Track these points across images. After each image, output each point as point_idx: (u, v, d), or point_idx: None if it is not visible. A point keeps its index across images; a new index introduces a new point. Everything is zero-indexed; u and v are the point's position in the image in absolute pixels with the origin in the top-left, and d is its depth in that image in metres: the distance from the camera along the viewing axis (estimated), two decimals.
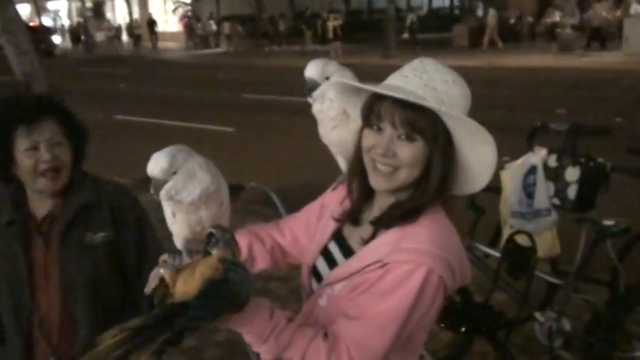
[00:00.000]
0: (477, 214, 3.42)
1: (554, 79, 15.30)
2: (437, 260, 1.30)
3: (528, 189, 3.22)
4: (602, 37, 20.79)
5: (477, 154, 1.35)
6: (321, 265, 1.52)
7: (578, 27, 21.70)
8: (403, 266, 1.29)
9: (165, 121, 11.42)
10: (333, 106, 1.62)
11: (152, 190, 1.51)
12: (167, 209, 1.61)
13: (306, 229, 1.65)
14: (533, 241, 2.94)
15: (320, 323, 1.38)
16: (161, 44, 34.61)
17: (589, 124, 3.29)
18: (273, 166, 7.60)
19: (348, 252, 1.47)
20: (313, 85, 1.63)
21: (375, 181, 1.39)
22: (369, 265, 1.35)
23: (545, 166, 3.17)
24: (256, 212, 4.83)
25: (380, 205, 1.45)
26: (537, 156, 3.21)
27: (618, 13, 21.90)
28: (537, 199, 3.19)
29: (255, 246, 1.65)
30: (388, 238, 1.37)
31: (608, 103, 11.39)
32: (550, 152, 3.19)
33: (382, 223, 1.41)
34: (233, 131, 10.56)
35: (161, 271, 1.38)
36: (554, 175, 3.14)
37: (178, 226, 1.62)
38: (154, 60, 27.46)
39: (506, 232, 3.28)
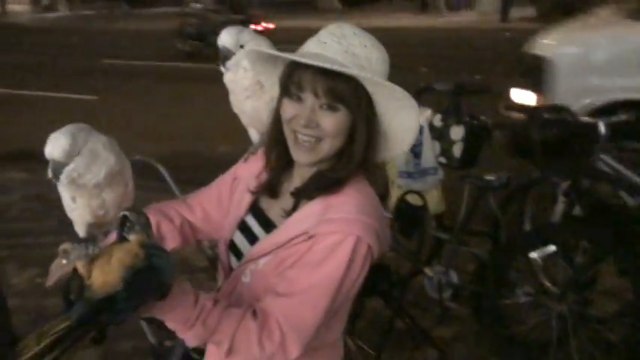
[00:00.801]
0: None
1: (416, 38, 15.84)
2: (365, 229, 1.27)
3: (415, 149, 3.30)
4: None
5: (399, 118, 1.33)
6: (240, 241, 1.46)
7: None
8: (331, 237, 1.26)
9: (23, 91, 10.56)
10: (247, 76, 1.56)
11: (50, 174, 1.39)
12: (66, 194, 1.48)
13: (218, 204, 1.58)
14: (425, 199, 3.03)
15: (244, 301, 1.33)
16: (10, 7, 31.98)
17: (472, 83, 3.41)
18: (143, 135, 7.29)
19: (268, 225, 1.42)
20: (227, 54, 1.56)
21: (298, 155, 1.34)
22: (294, 238, 1.31)
23: (431, 126, 3.26)
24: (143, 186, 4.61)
25: (300, 175, 1.40)
26: (423, 116, 3.28)
27: None
28: (424, 159, 3.29)
29: (163, 225, 1.54)
30: (312, 209, 1.34)
31: (465, 60, 11.94)
32: (435, 112, 3.28)
33: (304, 195, 1.37)
34: (96, 99, 9.99)
35: (64, 261, 1.27)
36: (440, 134, 3.23)
37: (79, 211, 1.50)
38: (2, 24, 25.33)
39: (394, 193, 3.35)
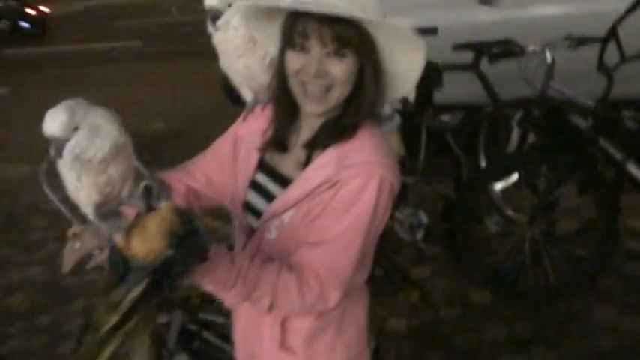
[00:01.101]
0: None
1: None
2: (385, 169, 1.29)
3: None
4: None
5: (405, 59, 1.32)
6: (255, 200, 1.45)
7: None
8: (355, 181, 1.27)
9: None
10: (238, 34, 1.49)
11: (53, 153, 1.34)
12: (70, 175, 1.43)
13: (220, 168, 1.56)
14: None
15: (273, 257, 1.33)
16: None
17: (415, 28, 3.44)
18: None
19: (282, 180, 1.41)
20: (216, 14, 1.48)
21: (309, 106, 1.32)
22: (317, 188, 1.31)
23: None
24: None
25: (308, 126, 1.39)
26: None
27: None
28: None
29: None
30: (327, 157, 1.33)
31: None
32: None
33: (318, 145, 1.36)
34: (8, 92, 9.52)
35: (77, 244, 1.26)
36: None
37: (86, 191, 1.45)
38: None
39: None
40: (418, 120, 3.29)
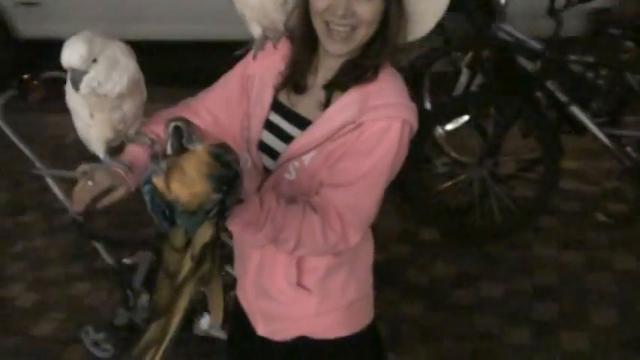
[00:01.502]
0: None
1: None
2: (408, 111, 1.30)
3: None
4: None
5: (427, 1, 1.32)
6: (270, 140, 1.42)
7: None
8: (379, 123, 1.27)
9: None
10: None
11: (70, 85, 1.27)
12: (82, 110, 1.36)
13: (226, 106, 1.51)
14: None
15: (291, 197, 1.33)
16: None
17: None
18: None
19: (298, 120, 1.38)
20: None
21: (332, 45, 1.29)
22: (341, 129, 1.29)
23: None
24: None
25: (327, 66, 1.36)
26: None
27: None
28: None
29: None
30: (350, 98, 1.31)
31: None
32: None
33: (338, 85, 1.34)
34: None
35: (90, 183, 1.28)
36: None
37: (98, 128, 1.39)
38: None
39: None
40: None
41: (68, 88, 1.35)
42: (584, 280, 2.91)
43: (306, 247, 1.29)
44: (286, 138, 1.39)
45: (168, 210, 1.09)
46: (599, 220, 3.29)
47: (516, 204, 3.20)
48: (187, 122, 1.25)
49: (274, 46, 1.47)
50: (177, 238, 1.07)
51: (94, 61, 1.25)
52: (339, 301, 1.47)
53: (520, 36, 3.09)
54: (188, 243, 1.08)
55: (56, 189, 2.21)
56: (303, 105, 1.38)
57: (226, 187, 1.09)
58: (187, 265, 1.05)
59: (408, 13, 1.33)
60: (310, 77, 1.39)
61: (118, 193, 1.34)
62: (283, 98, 1.42)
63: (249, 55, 1.51)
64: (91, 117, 1.35)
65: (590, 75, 3.14)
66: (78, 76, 1.25)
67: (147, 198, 1.15)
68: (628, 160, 3.14)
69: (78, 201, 1.31)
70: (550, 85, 3.08)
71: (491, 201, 3.15)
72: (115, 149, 1.43)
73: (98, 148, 1.41)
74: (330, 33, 1.28)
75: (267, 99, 1.42)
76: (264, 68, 1.45)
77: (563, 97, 3.08)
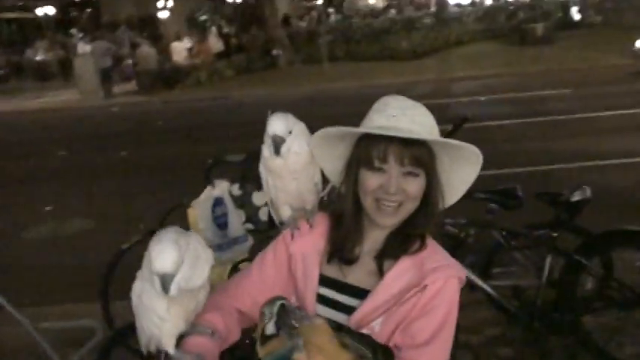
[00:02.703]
0: None
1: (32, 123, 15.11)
2: (457, 269, 1.47)
3: (219, 220, 3.35)
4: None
5: (461, 172, 1.51)
6: (326, 313, 1.48)
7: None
8: (439, 283, 1.42)
9: None
10: (299, 160, 1.60)
11: (160, 288, 1.27)
12: (159, 306, 1.34)
13: (264, 289, 1.58)
14: None
15: None
16: None
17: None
18: None
19: (352, 290, 1.49)
20: (280, 141, 1.55)
21: (383, 219, 1.46)
22: (405, 293, 1.42)
23: (231, 196, 3.36)
24: None
25: (373, 238, 1.51)
26: (220, 188, 3.36)
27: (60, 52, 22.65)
28: (231, 229, 3.36)
29: (227, 321, 1.55)
30: (404, 265, 1.47)
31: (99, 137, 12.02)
32: (231, 183, 3.38)
33: (391, 255, 1.48)
34: None
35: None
36: (241, 202, 3.35)
37: (174, 321, 1.38)
38: None
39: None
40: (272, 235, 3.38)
41: (145, 288, 1.34)
42: None
43: None
44: (341, 308, 1.48)
45: None
46: None
47: None
48: (281, 299, 1.31)
49: (310, 225, 1.57)
50: None
51: (182, 262, 1.30)
52: None
53: None
54: None
55: None
56: (356, 275, 1.51)
57: (367, 351, 1.17)
58: None
59: (442, 184, 1.51)
60: (357, 249, 1.50)
61: None
62: (330, 272, 1.51)
63: (284, 236, 1.59)
64: (167, 311, 1.34)
65: (462, 234, 3.55)
66: (169, 280, 1.26)
67: None
68: (511, 306, 3.49)
69: None
70: None
71: None
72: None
73: (168, 343, 1.38)
74: (379, 208, 1.43)
75: (315, 276, 1.52)
76: (306, 246, 1.56)
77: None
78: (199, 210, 3.33)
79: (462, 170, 1.52)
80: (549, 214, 3.48)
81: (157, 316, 1.33)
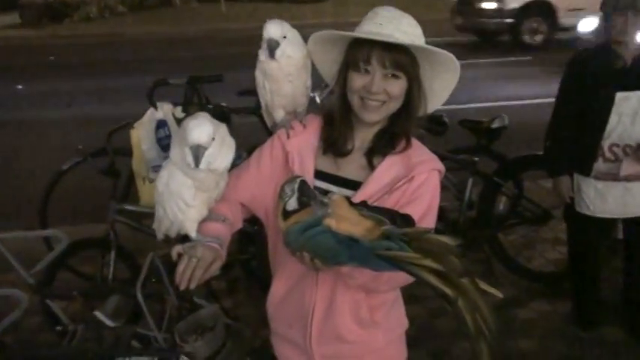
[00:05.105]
0: (115, 178, 3.41)
1: None
2: (438, 163, 1.66)
3: (162, 142, 3.38)
4: None
5: (441, 79, 1.65)
6: None
7: None
8: (424, 175, 1.60)
9: None
10: (291, 62, 1.70)
11: (192, 161, 1.38)
12: (187, 192, 1.44)
13: (259, 184, 1.71)
14: None
15: None
16: None
17: (203, 75, 3.61)
18: None
19: (345, 182, 1.64)
20: (275, 45, 1.66)
21: (367, 115, 1.60)
22: (394, 183, 1.58)
23: (175, 119, 3.39)
24: None
25: (362, 136, 1.66)
26: (163, 110, 3.38)
27: None
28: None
29: (233, 210, 1.68)
30: (393, 160, 1.63)
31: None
32: (174, 105, 3.41)
33: (380, 151, 1.64)
34: None
35: (194, 260, 1.41)
36: None
37: (197, 208, 1.49)
38: None
39: (146, 189, 3.40)
40: None
41: (173, 174, 1.42)
42: None
43: (383, 284, 1.58)
44: None
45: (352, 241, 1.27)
46: None
47: None
48: (302, 177, 1.44)
49: (304, 125, 1.70)
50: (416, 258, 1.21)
51: (213, 139, 1.39)
52: (397, 330, 1.72)
53: None
54: None
55: None
56: (349, 169, 1.65)
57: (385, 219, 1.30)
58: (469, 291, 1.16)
59: (425, 89, 1.66)
60: (349, 143, 1.66)
61: (217, 266, 1.48)
62: (325, 167, 1.65)
63: (279, 135, 1.71)
64: (193, 198, 1.42)
65: None
66: (202, 152, 1.35)
67: (318, 238, 1.31)
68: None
69: (191, 278, 1.42)
70: None
71: None
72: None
73: (191, 228, 1.47)
74: (365, 106, 1.59)
75: (311, 169, 1.65)
76: (301, 144, 1.68)
77: None
78: (142, 131, 3.34)
79: (442, 77, 1.66)
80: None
81: (184, 201, 1.41)
